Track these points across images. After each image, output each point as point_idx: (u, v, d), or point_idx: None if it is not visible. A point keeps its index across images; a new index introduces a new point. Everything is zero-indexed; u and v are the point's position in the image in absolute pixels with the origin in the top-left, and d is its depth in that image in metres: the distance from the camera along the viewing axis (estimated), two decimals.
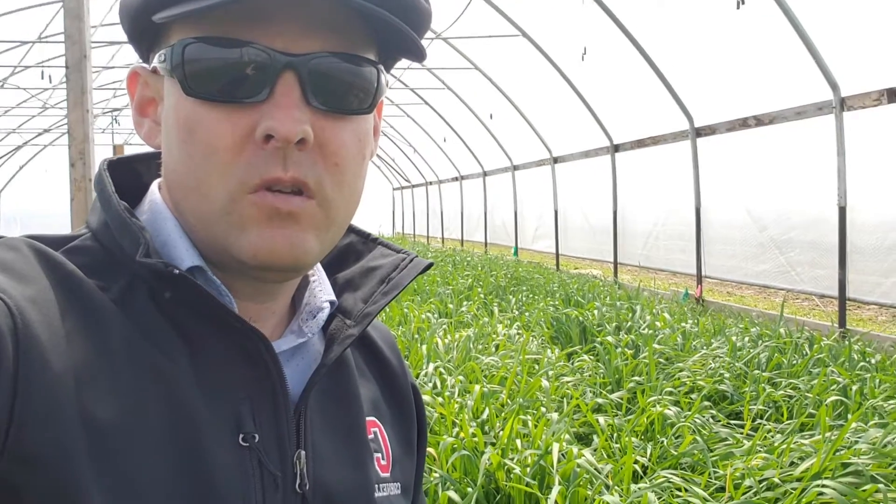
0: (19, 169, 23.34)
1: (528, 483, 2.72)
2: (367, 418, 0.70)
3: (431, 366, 4.04)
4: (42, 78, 11.19)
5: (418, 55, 0.60)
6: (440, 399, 3.52)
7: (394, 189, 27.12)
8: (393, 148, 21.62)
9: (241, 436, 0.57)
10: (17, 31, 11.16)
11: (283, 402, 0.59)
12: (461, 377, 3.90)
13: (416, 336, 4.97)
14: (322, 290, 0.69)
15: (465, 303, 6.72)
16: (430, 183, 21.16)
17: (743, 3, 5.41)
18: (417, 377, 4.04)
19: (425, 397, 3.43)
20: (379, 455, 0.69)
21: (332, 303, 0.68)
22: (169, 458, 0.52)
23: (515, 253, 14.26)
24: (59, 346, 0.50)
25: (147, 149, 0.69)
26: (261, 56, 0.54)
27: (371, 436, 0.69)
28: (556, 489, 2.57)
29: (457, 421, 3.22)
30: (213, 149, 0.55)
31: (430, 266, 0.73)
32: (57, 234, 0.60)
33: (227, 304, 0.58)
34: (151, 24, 0.57)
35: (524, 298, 7.36)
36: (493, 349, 4.86)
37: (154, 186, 0.65)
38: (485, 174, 16.12)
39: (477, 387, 3.59)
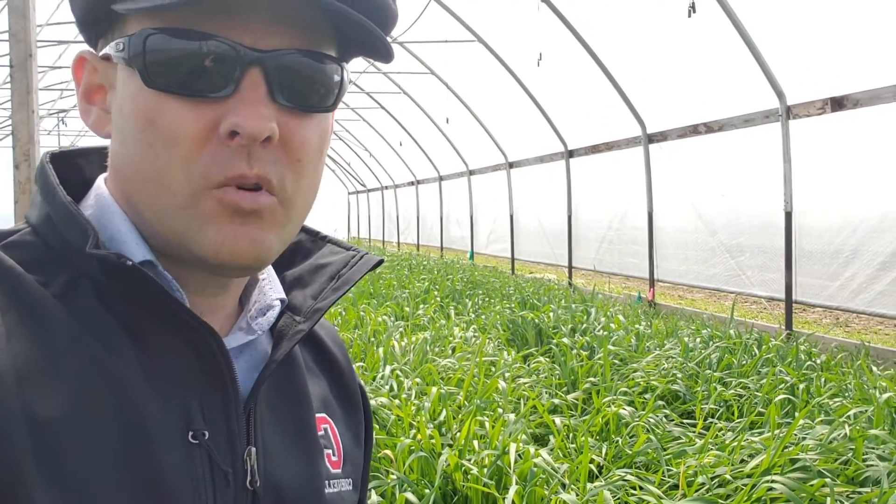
0: None
1: (486, 483, 2.72)
2: (318, 415, 0.69)
3: (388, 368, 4.02)
4: None
5: (386, 56, 0.59)
6: (397, 401, 3.50)
7: (349, 193, 26.98)
8: (348, 152, 21.51)
9: (190, 433, 0.55)
10: None
11: (233, 399, 0.58)
12: (418, 379, 3.89)
13: (373, 339, 4.94)
14: (272, 287, 0.68)
15: (421, 306, 6.71)
16: (386, 187, 21.12)
17: (694, 11, 5.54)
18: (374, 380, 4.02)
19: (382, 399, 3.41)
20: (329, 451, 0.69)
21: (281, 301, 0.68)
22: (117, 456, 0.50)
23: (471, 257, 14.31)
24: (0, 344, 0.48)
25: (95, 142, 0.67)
26: (227, 50, 0.53)
27: (321, 432, 0.69)
28: (513, 489, 2.58)
29: (414, 423, 3.21)
30: (175, 139, 0.53)
31: (380, 262, 0.73)
32: None
33: (179, 299, 0.57)
34: (108, 12, 0.56)
35: (480, 302, 7.39)
36: (450, 351, 4.86)
37: (100, 181, 0.63)
38: (441, 179, 16.15)
39: (434, 389, 3.58)
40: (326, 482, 0.66)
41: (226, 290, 0.64)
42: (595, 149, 9.82)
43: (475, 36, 10.01)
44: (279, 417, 0.64)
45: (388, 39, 0.59)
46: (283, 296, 0.68)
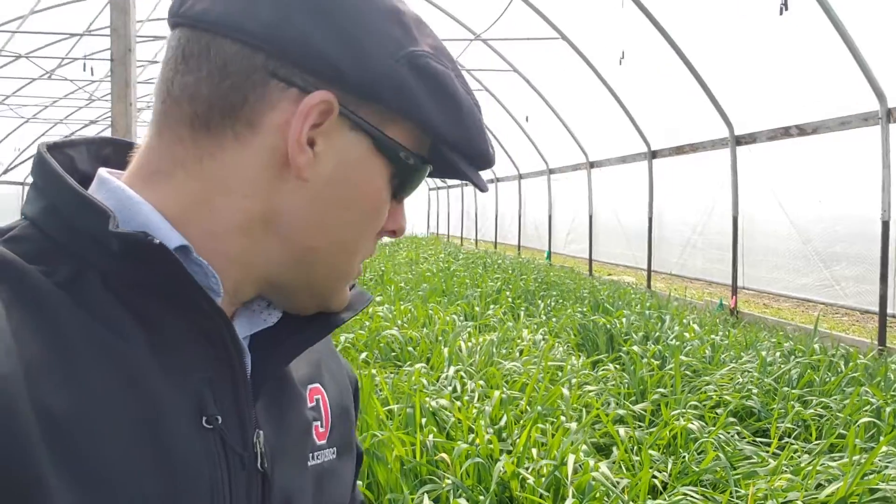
0: None
1: (542, 494, 2.67)
2: (311, 385, 0.72)
3: (452, 369, 4.01)
4: (84, 70, 11.41)
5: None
6: (458, 403, 3.48)
7: (430, 189, 27.14)
8: None
9: (204, 418, 0.56)
10: (66, 23, 11.42)
11: (243, 384, 0.59)
12: (482, 382, 3.86)
13: (441, 338, 4.93)
14: None
15: (492, 306, 6.67)
16: (466, 184, 21.13)
17: (786, 9, 5.26)
18: (437, 380, 4.01)
19: (443, 401, 3.40)
20: (318, 423, 0.70)
21: None
22: (134, 444, 0.51)
23: (548, 257, 14.14)
24: (5, 342, 0.47)
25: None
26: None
27: (313, 403, 0.71)
28: (569, 502, 2.52)
29: (473, 426, 3.18)
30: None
31: (370, 301, 0.78)
32: None
33: (213, 284, 0.58)
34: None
35: (553, 303, 7.28)
36: (518, 354, 4.80)
37: (103, 172, 0.61)
38: (520, 177, 16.03)
39: (496, 392, 3.54)
40: (310, 454, 0.68)
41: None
42: (679, 150, 9.52)
43: (559, 33, 9.86)
44: (275, 400, 0.65)
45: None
46: None
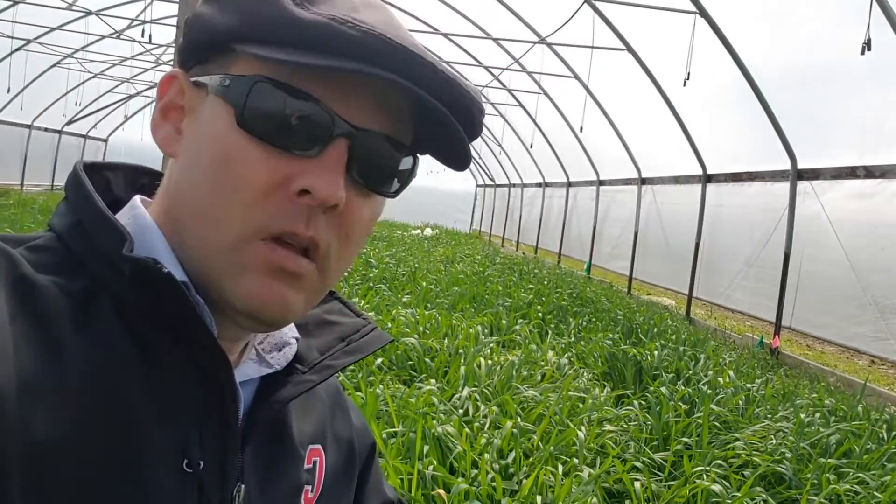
0: (125, 119, 24.36)
1: None
2: (312, 446, 0.70)
3: (467, 390, 3.82)
4: (142, 36, 11.51)
5: (462, 165, 0.62)
6: (467, 430, 3.29)
7: (477, 185, 26.93)
8: (482, 145, 21.44)
9: (185, 460, 0.54)
10: None
11: (232, 433, 0.58)
12: (496, 408, 3.66)
13: (461, 351, 4.75)
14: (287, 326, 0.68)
15: (520, 321, 6.45)
16: (514, 185, 20.87)
17: (869, 49, 4.91)
18: (449, 399, 3.82)
19: (449, 428, 3.21)
20: (309, 487, 0.68)
21: (296, 339, 0.68)
22: (107, 477, 0.49)
23: (588, 269, 13.82)
24: (6, 353, 0.47)
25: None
26: (324, 117, 0.55)
27: (310, 465, 0.69)
28: None
29: (478, 460, 2.99)
30: (245, 183, 0.54)
31: (391, 341, 0.74)
32: (19, 234, 0.58)
33: (208, 324, 0.56)
34: (224, 47, 0.58)
35: (584, 323, 7.03)
36: (540, 377, 4.59)
37: (136, 200, 0.63)
38: (569, 184, 15.73)
39: (509, 423, 3.34)
40: None
41: (245, 337, 0.64)
42: (736, 177, 9.16)
43: (625, 44, 9.55)
44: (266, 456, 0.63)
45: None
46: (297, 335, 0.69)
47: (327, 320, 0.73)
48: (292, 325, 0.69)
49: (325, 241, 0.56)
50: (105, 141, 24.66)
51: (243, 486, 0.59)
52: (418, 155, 0.63)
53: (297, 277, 0.56)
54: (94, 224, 0.57)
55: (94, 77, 18.57)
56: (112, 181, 0.66)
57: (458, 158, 0.61)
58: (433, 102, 0.55)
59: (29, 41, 14.86)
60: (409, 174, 0.62)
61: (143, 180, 0.68)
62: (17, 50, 15.04)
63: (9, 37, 14.22)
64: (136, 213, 0.61)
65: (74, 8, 13.22)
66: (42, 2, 12.64)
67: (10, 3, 12.40)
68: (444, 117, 0.56)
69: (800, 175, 7.86)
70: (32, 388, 0.47)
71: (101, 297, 0.54)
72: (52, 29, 14.31)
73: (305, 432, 0.69)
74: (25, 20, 13.37)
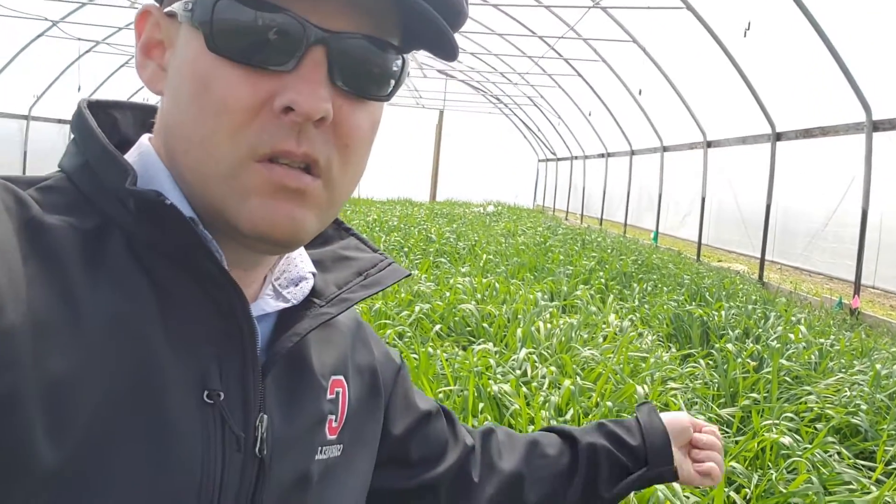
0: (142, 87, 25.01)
1: None
2: (335, 377, 0.70)
3: (524, 351, 3.78)
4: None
5: (450, 54, 0.60)
6: (525, 389, 3.26)
7: (538, 160, 26.63)
8: (541, 118, 21.15)
9: (205, 392, 0.55)
10: None
11: (251, 363, 0.58)
12: (554, 368, 3.62)
13: (520, 316, 4.71)
14: (303, 260, 0.69)
15: (580, 286, 6.35)
16: (576, 157, 20.54)
17: None
18: (507, 361, 3.80)
19: (506, 387, 3.18)
20: (333, 417, 0.69)
21: (313, 273, 0.68)
22: (127, 412, 0.50)
23: (655, 238, 13.51)
24: (19, 294, 0.47)
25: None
26: (294, 26, 0.53)
27: (333, 395, 0.69)
28: None
29: (534, 417, 2.96)
30: (226, 107, 0.53)
31: (408, 275, 0.73)
32: (30, 175, 0.58)
33: (216, 253, 0.56)
34: None
35: (649, 288, 6.87)
36: (601, 340, 4.51)
37: (144, 139, 0.63)
38: (632, 153, 15.37)
39: (567, 381, 3.29)
40: (319, 448, 0.66)
41: (258, 266, 0.64)
42: (807, 133, 8.75)
43: (683, 2, 9.22)
44: (288, 387, 0.64)
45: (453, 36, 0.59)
46: (314, 269, 0.69)
47: (344, 255, 0.73)
48: (308, 260, 0.69)
49: (323, 155, 0.55)
50: None
51: (266, 416, 0.59)
52: (408, 52, 0.61)
53: (301, 194, 0.55)
54: (97, 161, 0.57)
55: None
56: (119, 120, 0.66)
57: (444, 49, 0.59)
58: None
59: (98, 42, 15.40)
60: (400, 74, 0.59)
61: (152, 119, 0.67)
62: (87, 52, 15.60)
63: (77, 39, 14.76)
64: (143, 151, 0.61)
65: (136, 5, 13.64)
66: (108, 2, 13.08)
67: (78, 4, 12.86)
68: (420, 7, 0.54)
69: (875, 126, 7.45)
70: (47, 327, 0.48)
71: (113, 235, 0.55)
72: (120, 29, 14.80)
73: (327, 364, 0.70)
74: (92, 21, 13.85)
